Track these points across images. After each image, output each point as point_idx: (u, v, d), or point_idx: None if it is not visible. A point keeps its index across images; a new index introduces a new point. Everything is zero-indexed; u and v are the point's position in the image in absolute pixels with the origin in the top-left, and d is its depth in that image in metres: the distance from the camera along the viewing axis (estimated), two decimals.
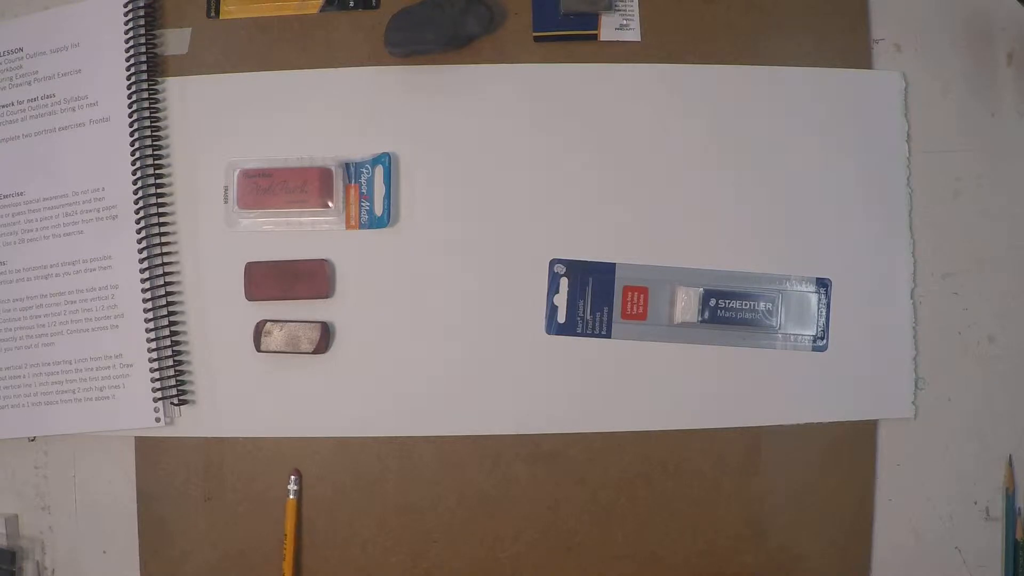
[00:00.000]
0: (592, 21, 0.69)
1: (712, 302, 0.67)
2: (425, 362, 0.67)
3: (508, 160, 0.68)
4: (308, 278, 0.67)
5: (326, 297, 0.67)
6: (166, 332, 0.67)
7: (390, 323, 0.67)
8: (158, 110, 0.69)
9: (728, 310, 0.67)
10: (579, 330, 0.67)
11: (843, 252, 0.68)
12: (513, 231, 0.67)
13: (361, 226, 0.67)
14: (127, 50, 0.68)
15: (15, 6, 0.71)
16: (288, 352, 0.66)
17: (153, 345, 0.66)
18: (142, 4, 0.69)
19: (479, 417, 0.67)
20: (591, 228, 0.67)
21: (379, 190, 0.67)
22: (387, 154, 0.68)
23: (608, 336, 0.67)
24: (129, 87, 0.68)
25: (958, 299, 0.68)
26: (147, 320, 0.66)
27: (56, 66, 0.69)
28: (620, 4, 0.69)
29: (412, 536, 0.67)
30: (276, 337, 0.66)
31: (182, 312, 0.68)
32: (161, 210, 0.68)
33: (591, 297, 0.67)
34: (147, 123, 0.68)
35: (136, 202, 0.67)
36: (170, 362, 0.67)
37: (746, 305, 0.67)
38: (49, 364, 0.68)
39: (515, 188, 0.68)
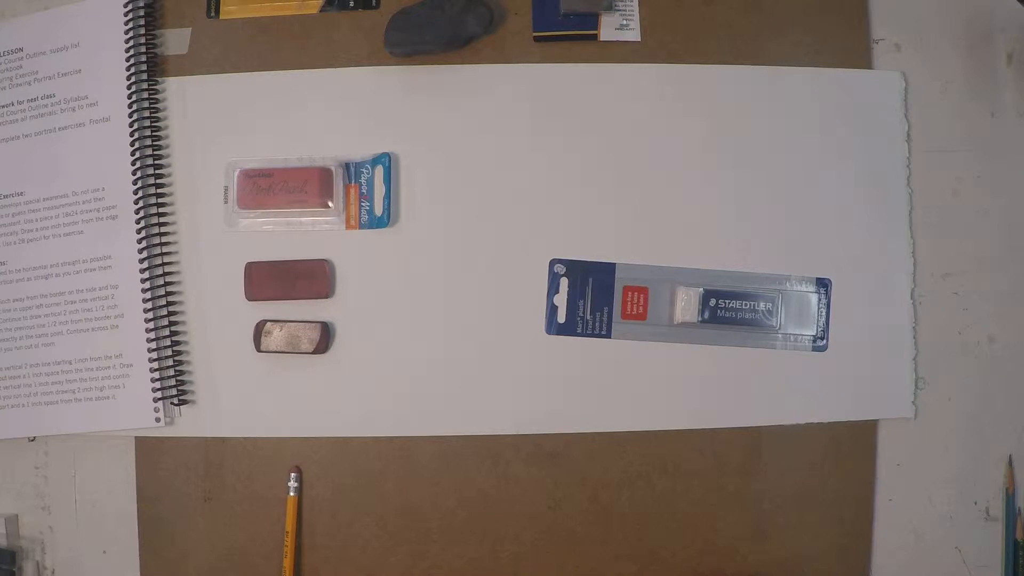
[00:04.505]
0: (592, 21, 0.69)
1: (712, 302, 0.67)
2: (425, 362, 0.67)
3: (508, 160, 0.68)
4: (308, 278, 0.67)
5: (326, 297, 0.67)
6: (166, 332, 0.67)
7: (390, 323, 0.67)
8: (158, 110, 0.69)
9: (728, 310, 0.67)
10: (579, 330, 0.67)
11: (843, 252, 0.68)
12: (513, 231, 0.67)
13: (361, 226, 0.67)
14: (127, 50, 0.68)
15: (15, 6, 0.71)
16: (288, 352, 0.66)
17: (153, 345, 0.66)
18: (142, 4, 0.69)
19: (479, 417, 0.67)
20: (591, 228, 0.67)
21: (379, 190, 0.67)
22: (387, 154, 0.68)
23: (608, 336, 0.67)
24: (129, 87, 0.68)
25: (958, 299, 0.68)
26: (147, 320, 0.66)
27: (56, 66, 0.69)
28: (620, 4, 0.69)
29: (412, 536, 0.67)
30: (276, 337, 0.66)
31: (182, 312, 0.68)
32: (161, 210, 0.68)
33: (591, 297, 0.67)
34: (147, 123, 0.68)
35: (136, 202, 0.67)
36: (170, 362, 0.67)
37: (746, 305, 0.67)
38: (49, 364, 0.68)
39: (515, 188, 0.68)
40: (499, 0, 0.69)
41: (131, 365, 0.67)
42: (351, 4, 0.69)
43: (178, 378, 0.67)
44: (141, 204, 0.67)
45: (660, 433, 0.66)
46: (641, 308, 0.67)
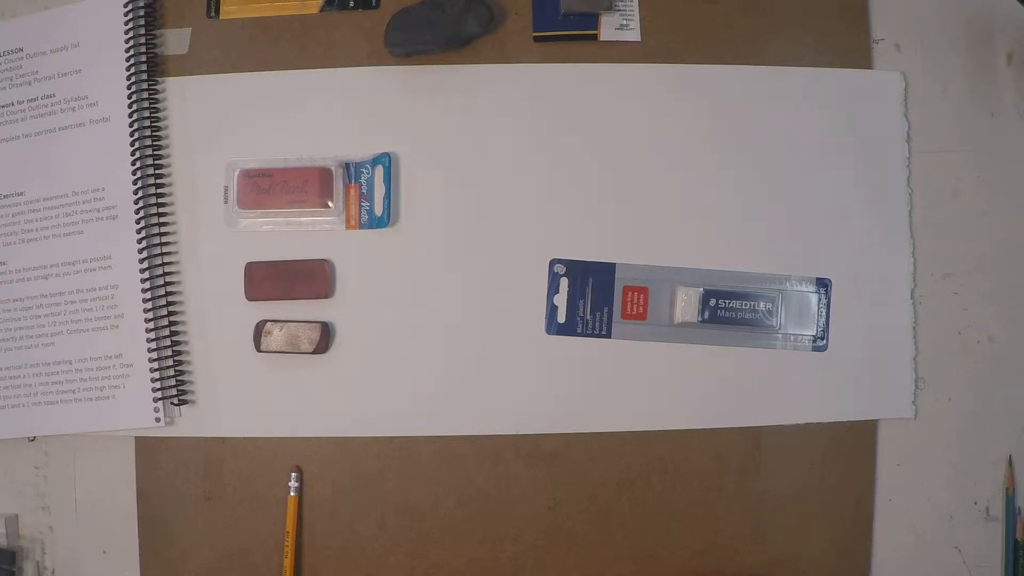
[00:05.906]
0: (592, 21, 0.69)
1: (712, 302, 0.67)
2: (425, 362, 0.67)
3: (508, 160, 0.68)
4: (308, 278, 0.67)
5: (326, 297, 0.67)
6: (166, 332, 0.67)
7: (390, 323, 0.67)
8: (158, 110, 0.69)
9: (728, 310, 0.67)
10: (579, 330, 0.67)
11: (843, 252, 0.68)
12: (513, 231, 0.67)
13: (361, 226, 0.67)
14: (127, 50, 0.68)
15: (15, 6, 0.71)
16: (288, 352, 0.66)
17: (153, 345, 0.66)
18: (142, 4, 0.69)
19: (479, 417, 0.67)
20: (591, 228, 0.67)
21: (379, 190, 0.67)
22: (387, 154, 0.68)
23: (608, 336, 0.67)
24: (129, 87, 0.68)
25: (958, 299, 0.68)
26: (147, 320, 0.66)
27: (56, 66, 0.69)
28: (620, 4, 0.69)
29: (412, 536, 0.67)
30: (276, 337, 0.66)
31: (182, 312, 0.68)
32: (161, 210, 0.68)
33: (591, 297, 0.67)
34: (147, 123, 0.68)
35: (136, 202, 0.67)
36: (170, 362, 0.67)
37: (746, 305, 0.67)
38: (49, 364, 0.68)
39: (515, 188, 0.68)
40: (499, 0, 0.69)
41: (131, 365, 0.67)
42: (351, 4, 0.69)
43: (178, 378, 0.67)
44: (141, 204, 0.67)
45: (660, 433, 0.66)
46: (641, 308, 0.67)
